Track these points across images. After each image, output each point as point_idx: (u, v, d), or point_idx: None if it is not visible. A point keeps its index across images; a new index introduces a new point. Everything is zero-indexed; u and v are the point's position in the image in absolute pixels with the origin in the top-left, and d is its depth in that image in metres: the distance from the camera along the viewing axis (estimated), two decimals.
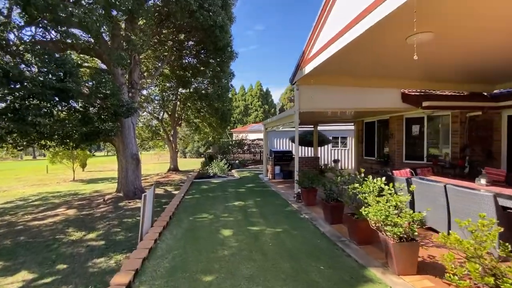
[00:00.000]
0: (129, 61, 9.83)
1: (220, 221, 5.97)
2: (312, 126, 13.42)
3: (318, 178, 6.94)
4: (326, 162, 16.33)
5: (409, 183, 5.34)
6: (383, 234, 3.68)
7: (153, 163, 28.63)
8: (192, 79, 15.62)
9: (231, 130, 33.31)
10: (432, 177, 6.27)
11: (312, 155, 14.59)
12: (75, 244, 5.38)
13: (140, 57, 12.69)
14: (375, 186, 4.28)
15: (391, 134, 10.16)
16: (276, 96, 71.07)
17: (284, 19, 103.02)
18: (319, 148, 14.21)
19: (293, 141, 14.94)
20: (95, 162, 30.53)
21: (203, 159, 21.82)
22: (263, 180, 12.17)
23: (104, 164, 28.06)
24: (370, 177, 4.33)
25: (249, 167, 19.34)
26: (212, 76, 15.34)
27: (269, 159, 12.52)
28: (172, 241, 4.84)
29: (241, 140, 24.62)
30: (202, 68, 14.30)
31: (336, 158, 17.22)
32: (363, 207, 4.06)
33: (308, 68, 6.81)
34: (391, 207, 3.47)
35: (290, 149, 15.74)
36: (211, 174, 13.81)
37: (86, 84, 7.53)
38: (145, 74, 14.09)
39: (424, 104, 7.58)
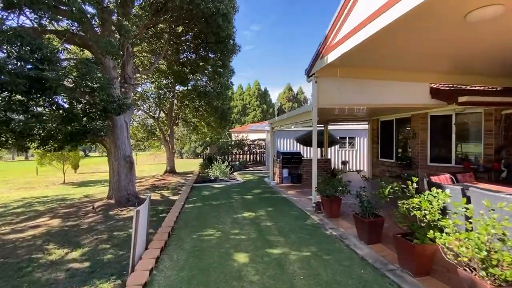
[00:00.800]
0: (121, 52, 8.81)
1: (231, 240, 4.89)
2: (322, 125, 12.38)
3: (342, 184, 5.92)
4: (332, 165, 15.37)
5: (464, 193, 4.35)
6: (466, 270, 2.67)
7: (149, 164, 27.56)
8: (191, 76, 14.51)
9: (230, 130, 32.20)
10: (484, 185, 5.29)
11: (319, 157, 13.57)
12: (54, 267, 4.39)
13: (135, 49, 11.62)
14: (438, 202, 3.27)
15: (413, 133, 9.16)
16: (274, 96, 70.00)
17: (281, 19, 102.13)
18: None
19: (298, 141, 13.95)
20: (89, 163, 29.33)
21: (201, 159, 20.88)
22: (270, 184, 11.11)
23: (98, 166, 26.83)
24: (435, 189, 3.31)
25: (250, 168, 18.30)
26: (212, 72, 14.28)
27: (276, 161, 11.47)
28: (173, 272, 3.76)
29: (241, 140, 23.56)
30: (201, 63, 13.21)
31: (344, 159, 16.22)
32: (431, 230, 3.05)
33: (331, 56, 5.76)
34: (487, 235, 2.44)
35: (298, 151, 14.73)
36: (212, 178, 12.72)
37: (71, 76, 6.40)
38: (140, 68, 12.96)
39: (461, 99, 6.58)
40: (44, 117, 6.01)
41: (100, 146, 22.79)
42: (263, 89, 52.78)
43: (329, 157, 12.54)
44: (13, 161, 49.61)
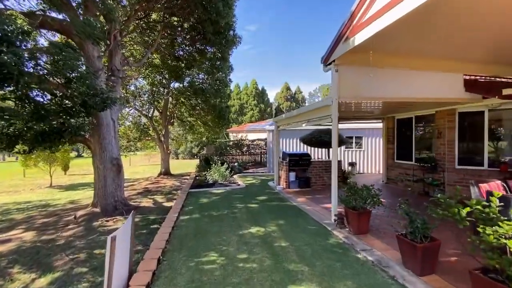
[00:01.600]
0: (108, 42, 7.73)
1: (239, 271, 3.74)
2: (330, 123, 11.29)
3: (373, 194, 4.86)
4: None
5: None
6: None
7: (143, 165, 26.42)
8: (187, 71, 13.40)
9: (227, 130, 31.05)
10: None
11: (326, 158, 12.51)
12: None
13: (125, 40, 10.50)
14: None
15: (439, 132, 8.11)
16: (272, 95, 68.97)
17: (278, 18, 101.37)
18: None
19: (303, 141, 12.90)
20: (82, 164, 28.02)
21: (197, 160, 19.83)
22: (276, 189, 9.99)
23: (91, 167, 25.60)
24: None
25: (250, 170, 17.21)
26: (210, 66, 13.19)
27: (281, 163, 10.38)
28: None
29: (240, 140, 22.45)
30: (198, 57, 12.08)
31: (351, 161, 15.17)
32: None
33: (359, 38, 4.68)
34: None
35: (305, 151, 13.66)
36: (211, 182, 11.56)
37: (39, 61, 5.26)
38: (131, 59, 11.79)
39: (506, 92, 5.57)
40: (6, 113, 4.89)
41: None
42: (260, 89, 51.79)
43: (339, 158, 11.46)
44: (3, 162, 47.99)
